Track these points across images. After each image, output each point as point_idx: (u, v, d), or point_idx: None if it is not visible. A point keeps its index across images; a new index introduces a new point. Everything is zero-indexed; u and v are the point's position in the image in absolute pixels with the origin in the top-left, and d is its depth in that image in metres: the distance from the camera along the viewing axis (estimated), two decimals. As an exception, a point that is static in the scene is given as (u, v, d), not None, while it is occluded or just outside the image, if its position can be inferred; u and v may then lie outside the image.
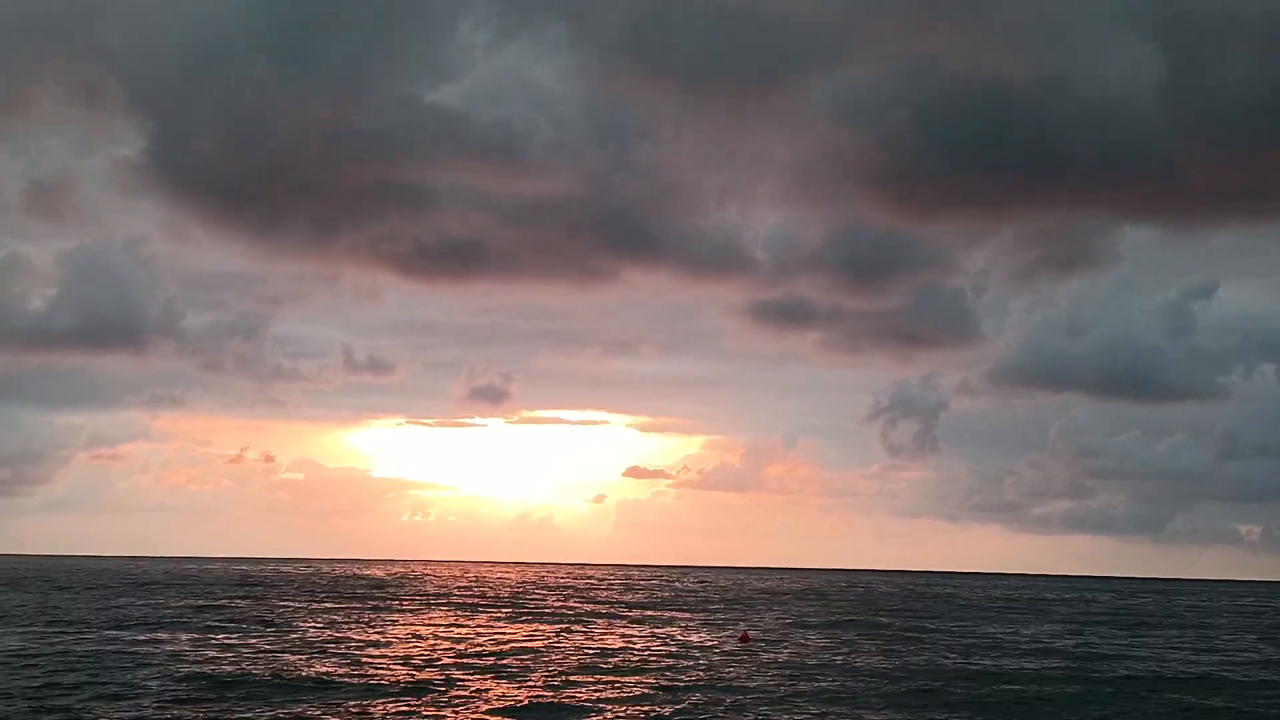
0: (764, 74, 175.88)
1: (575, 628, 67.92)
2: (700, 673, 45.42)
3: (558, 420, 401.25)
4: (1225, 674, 50.97)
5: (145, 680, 39.55)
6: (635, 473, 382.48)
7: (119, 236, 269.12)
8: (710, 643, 59.24)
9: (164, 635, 56.42)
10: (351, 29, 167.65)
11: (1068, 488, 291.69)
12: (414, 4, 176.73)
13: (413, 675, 42.79)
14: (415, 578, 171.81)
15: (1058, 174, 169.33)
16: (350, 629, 63.10)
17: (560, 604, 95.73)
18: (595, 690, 40.06)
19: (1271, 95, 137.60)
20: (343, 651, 50.21)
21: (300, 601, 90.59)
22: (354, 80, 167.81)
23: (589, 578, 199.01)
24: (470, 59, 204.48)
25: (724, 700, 38.32)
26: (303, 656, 47.82)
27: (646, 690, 40.18)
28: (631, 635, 63.03)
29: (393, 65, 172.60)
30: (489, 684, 41.14)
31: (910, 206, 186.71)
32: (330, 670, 43.21)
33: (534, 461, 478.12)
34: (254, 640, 54.49)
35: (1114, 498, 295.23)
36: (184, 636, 55.78)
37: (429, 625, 68.15)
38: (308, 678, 40.91)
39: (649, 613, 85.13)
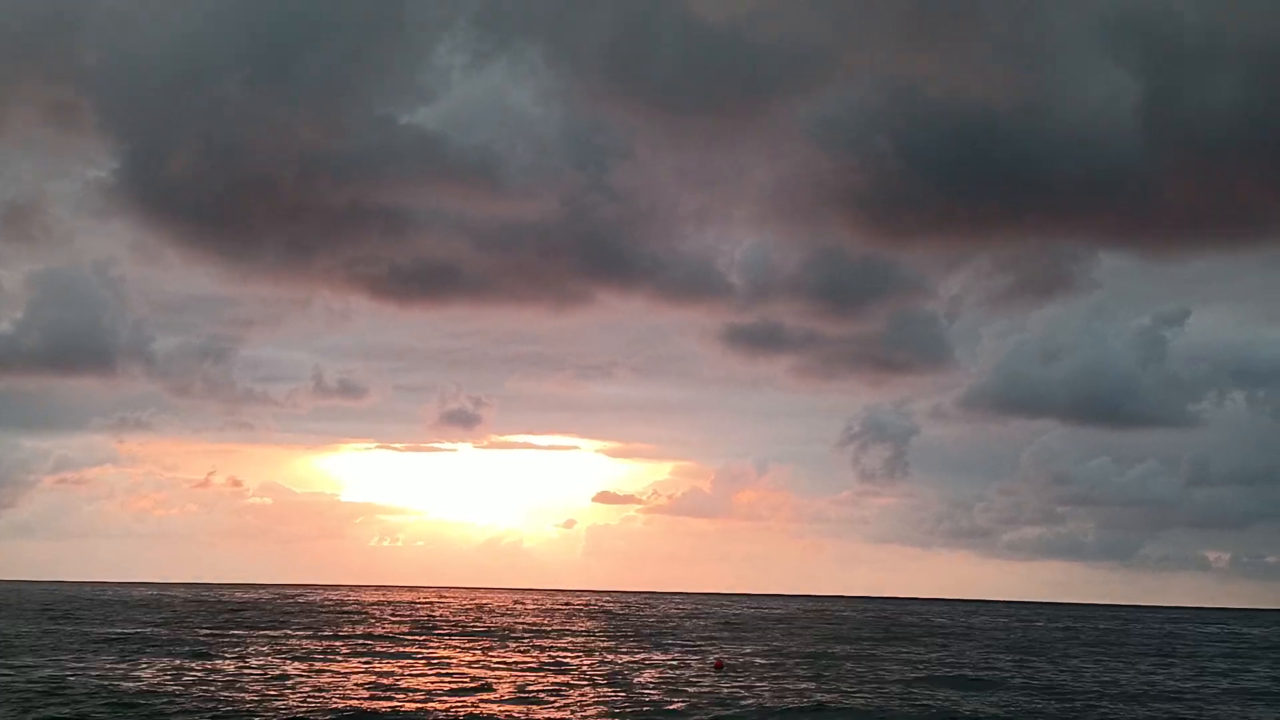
0: (744, 97, 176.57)
1: (543, 654, 68.24)
2: (675, 699, 45.89)
3: (527, 445, 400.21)
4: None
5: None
6: (605, 498, 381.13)
7: (89, 258, 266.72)
8: (685, 669, 59.69)
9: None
10: (328, 51, 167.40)
11: (1038, 514, 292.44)
12: (391, 26, 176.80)
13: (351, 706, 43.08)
14: (370, 603, 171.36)
15: (1036, 199, 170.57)
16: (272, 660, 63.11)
17: (528, 629, 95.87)
18: (568, 712, 40.49)
19: (1250, 122, 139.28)
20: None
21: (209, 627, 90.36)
22: (330, 102, 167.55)
23: (558, 603, 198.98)
24: (448, 81, 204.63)
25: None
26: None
27: (625, 715, 40.63)
28: (604, 661, 63.40)
29: (370, 87, 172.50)
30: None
31: (888, 231, 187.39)
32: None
33: (504, 486, 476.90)
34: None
35: (1084, 524, 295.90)
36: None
37: (378, 656, 68.27)
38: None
39: (620, 639, 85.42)
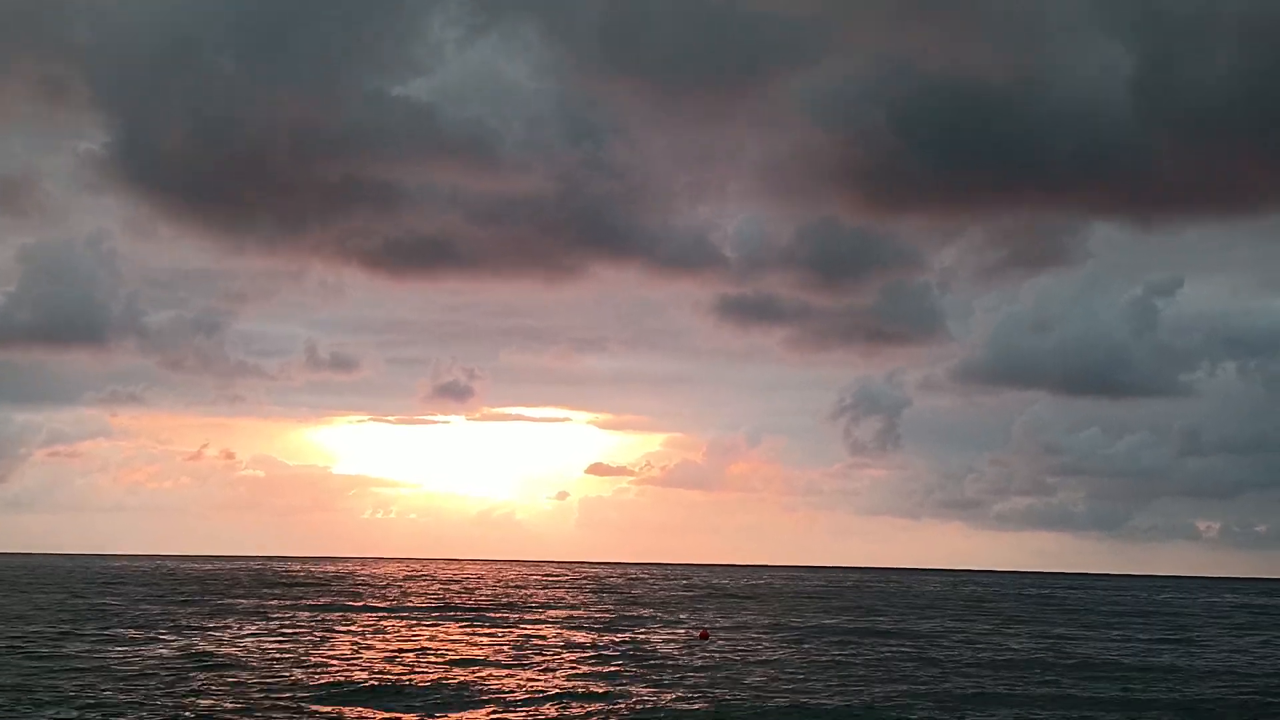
0: (738, 71, 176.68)
1: (529, 626, 68.37)
2: (660, 669, 45.98)
3: (519, 417, 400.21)
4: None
5: None
6: (598, 470, 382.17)
7: (81, 232, 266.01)
8: (670, 639, 59.82)
9: None
10: (321, 24, 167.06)
11: (1029, 485, 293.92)
12: (385, 0, 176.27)
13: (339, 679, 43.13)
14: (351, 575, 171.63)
15: (1029, 171, 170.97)
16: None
17: (517, 601, 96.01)
18: (554, 683, 40.54)
19: (1243, 92, 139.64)
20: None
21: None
22: (324, 76, 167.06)
23: (549, 574, 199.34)
24: (442, 55, 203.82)
25: (686, 697, 38.91)
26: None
27: (608, 685, 40.70)
28: (590, 632, 63.51)
29: (363, 61, 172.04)
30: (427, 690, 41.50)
31: (881, 204, 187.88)
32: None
33: (497, 458, 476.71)
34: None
35: (1075, 494, 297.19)
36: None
37: (364, 628, 68.30)
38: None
39: (609, 610, 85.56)
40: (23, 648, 49.00)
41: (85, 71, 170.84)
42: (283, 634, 58.08)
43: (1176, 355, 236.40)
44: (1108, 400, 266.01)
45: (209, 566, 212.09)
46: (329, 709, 35.09)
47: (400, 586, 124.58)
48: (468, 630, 63.75)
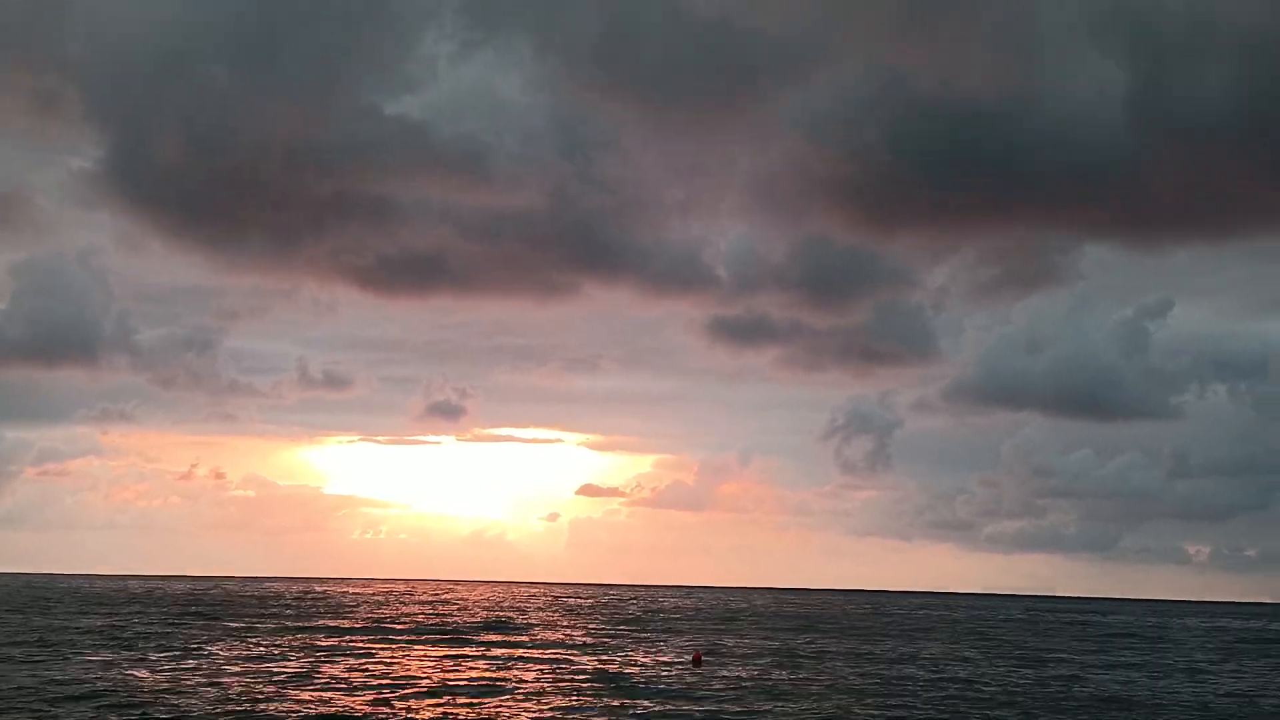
0: (731, 87, 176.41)
1: (517, 649, 67.17)
2: (652, 694, 44.84)
3: (510, 438, 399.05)
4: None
5: None
6: (588, 490, 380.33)
7: (73, 248, 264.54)
8: (664, 664, 58.64)
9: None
10: (314, 40, 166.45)
11: (1020, 506, 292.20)
12: (378, 15, 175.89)
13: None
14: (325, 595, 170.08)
15: (1022, 190, 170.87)
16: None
17: (505, 623, 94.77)
18: (542, 710, 39.41)
19: (1235, 112, 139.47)
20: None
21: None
22: (316, 91, 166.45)
23: (540, 596, 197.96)
24: (434, 71, 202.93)
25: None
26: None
27: (597, 712, 39.61)
28: (582, 656, 62.30)
29: (356, 76, 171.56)
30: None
31: (874, 222, 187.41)
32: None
33: (487, 479, 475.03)
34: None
35: (1065, 516, 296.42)
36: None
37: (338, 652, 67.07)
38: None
39: (600, 633, 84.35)
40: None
41: (78, 85, 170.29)
42: (254, 658, 56.73)
43: (1167, 377, 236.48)
44: (1098, 422, 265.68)
45: (197, 587, 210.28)
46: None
47: (386, 608, 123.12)
48: (452, 654, 62.42)
